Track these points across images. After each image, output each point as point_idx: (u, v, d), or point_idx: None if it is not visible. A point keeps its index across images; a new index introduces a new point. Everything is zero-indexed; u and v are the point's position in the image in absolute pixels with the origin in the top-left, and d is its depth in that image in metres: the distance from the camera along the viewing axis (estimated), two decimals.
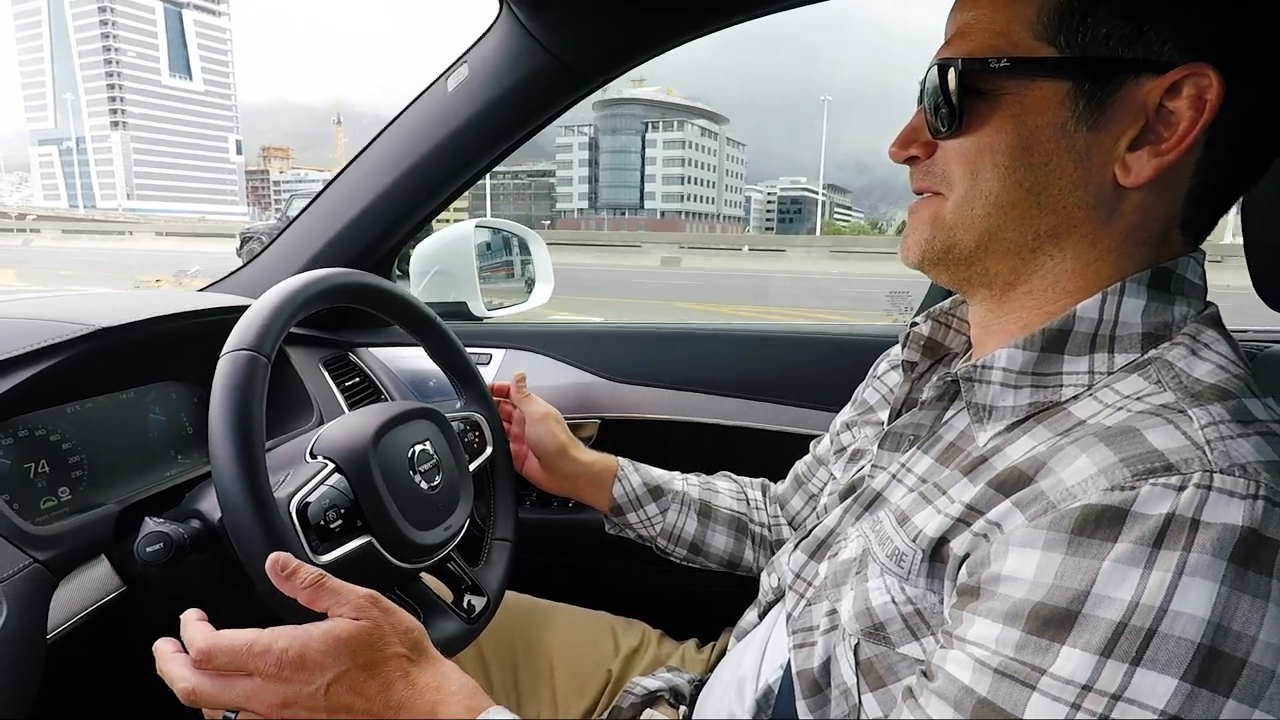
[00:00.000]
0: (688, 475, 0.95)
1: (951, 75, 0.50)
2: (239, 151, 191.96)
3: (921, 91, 0.54)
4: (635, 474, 0.92)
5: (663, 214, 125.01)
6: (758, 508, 0.93)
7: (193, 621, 0.54)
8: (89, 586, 0.72)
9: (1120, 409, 0.45)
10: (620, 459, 0.93)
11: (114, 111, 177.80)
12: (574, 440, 0.93)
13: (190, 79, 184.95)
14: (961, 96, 0.50)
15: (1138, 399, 0.45)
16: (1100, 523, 0.40)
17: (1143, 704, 0.36)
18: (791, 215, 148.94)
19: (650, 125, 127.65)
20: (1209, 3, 0.45)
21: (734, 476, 0.97)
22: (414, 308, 0.86)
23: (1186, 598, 0.36)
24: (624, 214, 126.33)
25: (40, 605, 0.66)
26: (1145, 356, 0.48)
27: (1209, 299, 0.51)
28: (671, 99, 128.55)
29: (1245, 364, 0.47)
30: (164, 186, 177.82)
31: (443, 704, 0.52)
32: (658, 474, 0.93)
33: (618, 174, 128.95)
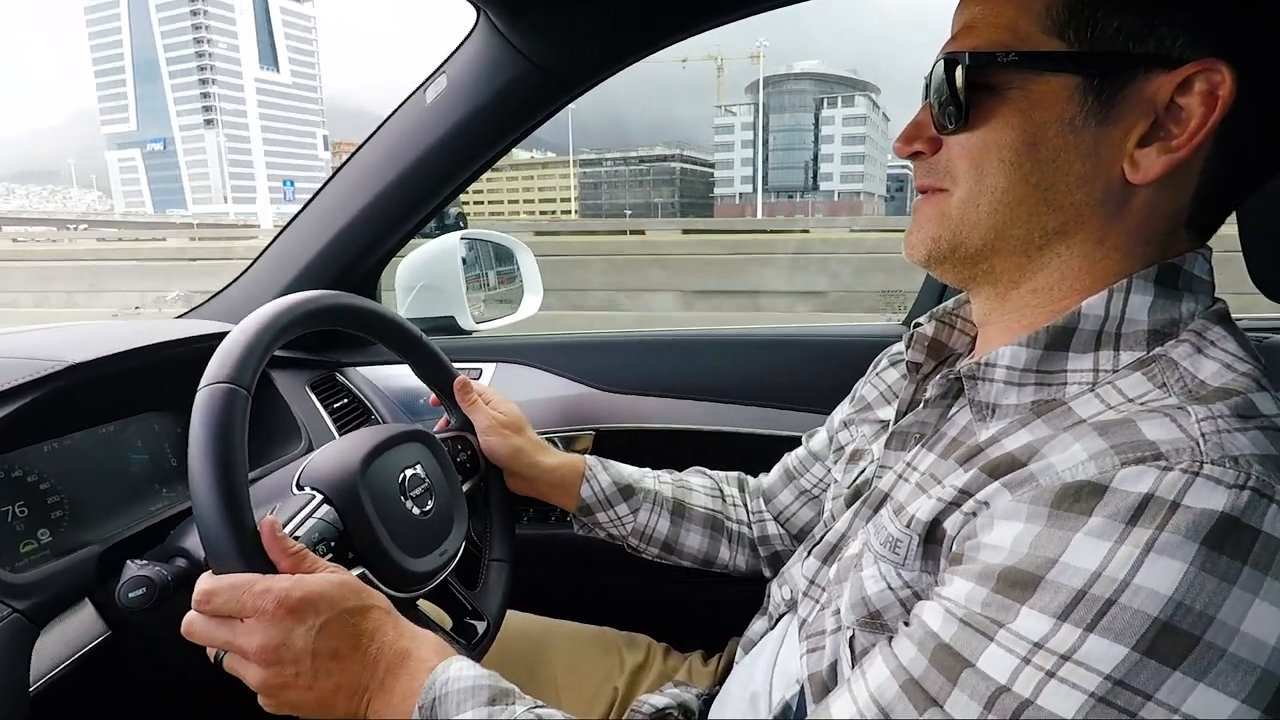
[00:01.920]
0: (659, 473, 0.93)
1: (959, 70, 0.49)
2: (326, 147, 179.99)
3: (927, 87, 0.53)
4: (604, 473, 0.90)
5: (838, 195, 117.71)
6: (735, 504, 0.92)
7: (206, 575, 0.58)
8: (73, 633, 0.70)
9: (1121, 410, 0.44)
10: (589, 458, 0.91)
11: (207, 109, 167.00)
12: (537, 444, 0.90)
13: (278, 70, 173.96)
14: (968, 91, 0.49)
15: (1140, 402, 0.44)
16: (1079, 497, 0.40)
17: (1089, 667, 0.37)
18: (893, 194, 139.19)
19: (826, 101, 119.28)
20: None
21: (708, 472, 0.95)
22: (398, 326, 0.84)
23: (1151, 574, 0.37)
24: (792, 197, 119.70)
25: (21, 656, 0.64)
26: (1150, 354, 0.47)
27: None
28: (837, 72, 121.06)
29: (1255, 359, 0.46)
30: (252, 187, 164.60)
31: (416, 648, 0.57)
32: (628, 472, 0.91)
33: (787, 154, 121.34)
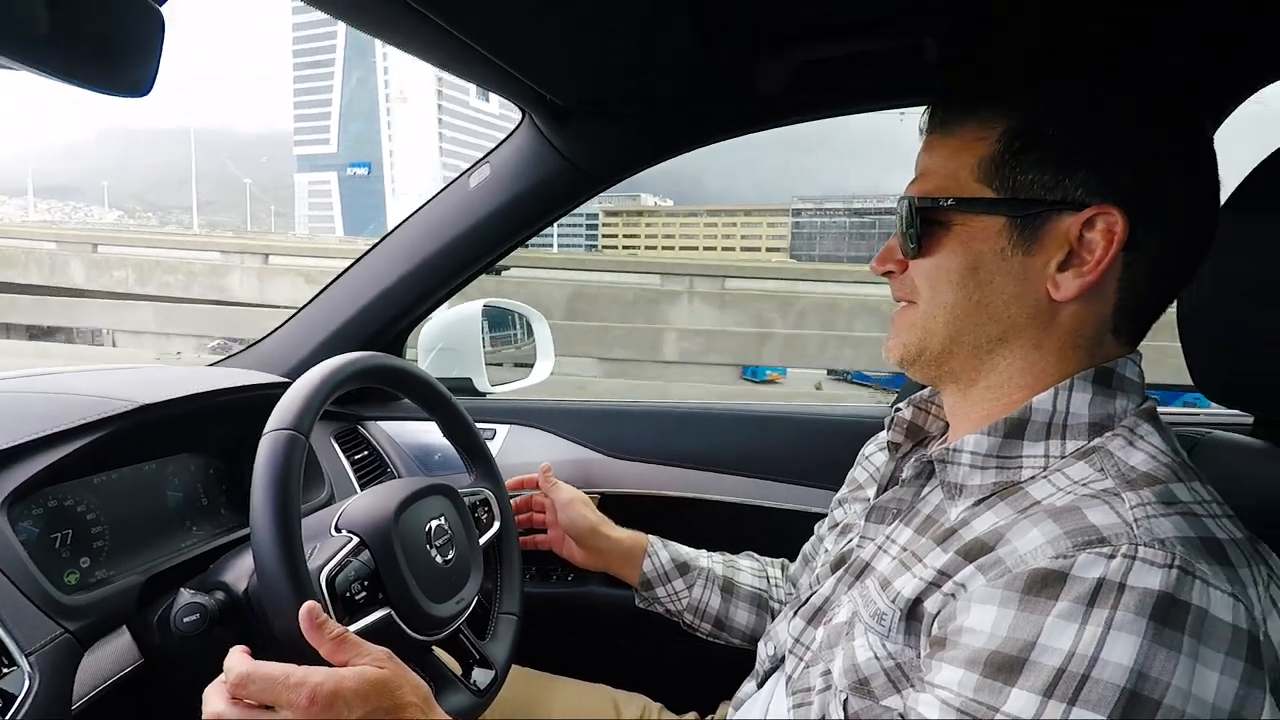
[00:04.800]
0: (712, 554, 1.00)
1: (915, 209, 0.60)
2: None
3: (898, 217, 0.63)
4: (664, 550, 0.97)
5: None
6: (776, 585, 0.98)
7: (236, 652, 0.59)
8: (111, 658, 0.74)
9: (1069, 493, 0.52)
10: (651, 537, 0.98)
11: (440, 135, 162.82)
12: (604, 519, 0.99)
13: (488, 100, 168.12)
14: (922, 226, 0.60)
15: (1083, 485, 0.53)
16: (1046, 583, 0.47)
17: None
18: None
19: None
20: (1113, 157, 0.55)
21: (756, 556, 1.02)
22: (433, 388, 0.92)
23: (1114, 648, 0.43)
24: None
25: (67, 676, 0.68)
26: (1091, 444, 0.55)
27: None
28: None
29: (1175, 453, 0.55)
30: None
31: None
32: (685, 551, 0.98)
33: None
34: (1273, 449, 0.78)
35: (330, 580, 0.70)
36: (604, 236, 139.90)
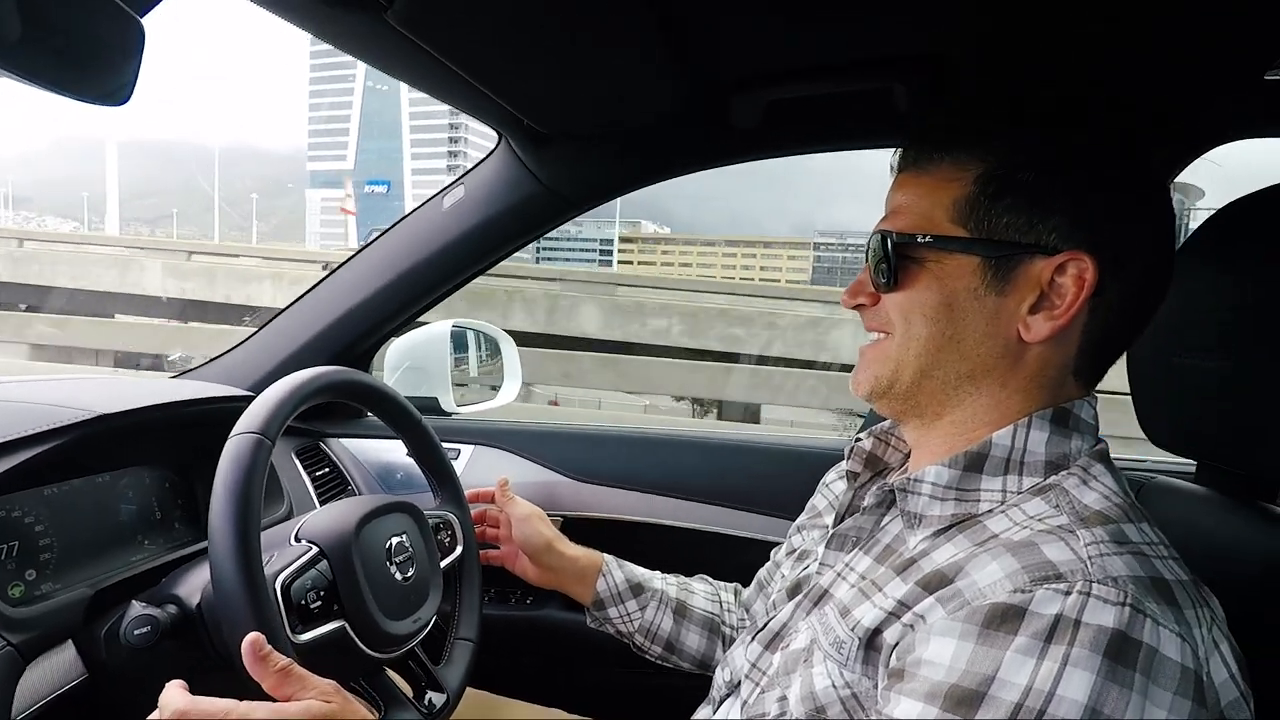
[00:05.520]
0: (666, 575, 1.00)
1: (890, 244, 0.62)
2: None
3: (867, 252, 0.65)
4: (619, 570, 0.97)
5: None
6: (729, 609, 0.98)
7: (173, 686, 0.57)
8: (53, 672, 0.72)
9: (1025, 528, 0.54)
10: (606, 556, 0.98)
11: (452, 155, 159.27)
12: (559, 536, 0.99)
13: None
14: (896, 261, 0.61)
15: (1039, 520, 0.54)
16: (1005, 618, 0.48)
17: None
18: None
19: None
20: (1086, 205, 0.57)
21: (710, 580, 1.02)
22: (403, 408, 0.92)
23: (1070, 684, 0.44)
24: None
25: (7, 691, 0.67)
26: (1047, 481, 0.57)
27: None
28: None
29: (1126, 494, 0.57)
30: None
31: None
32: (640, 572, 0.98)
33: None
34: (1214, 495, 0.80)
35: (286, 587, 0.69)
36: (619, 263, 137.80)
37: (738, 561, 1.02)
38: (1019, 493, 0.57)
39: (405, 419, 0.92)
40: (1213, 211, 0.75)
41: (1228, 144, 0.97)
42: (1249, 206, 0.72)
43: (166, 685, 0.57)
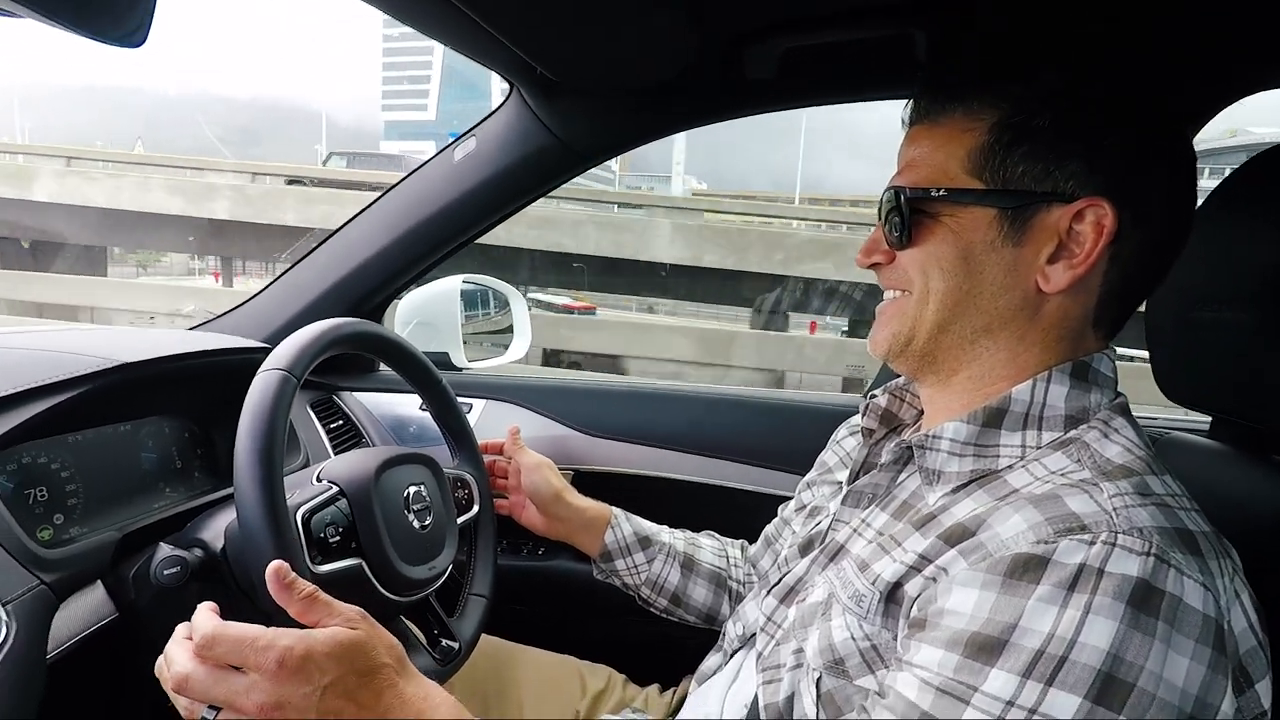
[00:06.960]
0: (674, 530, 1.01)
1: (903, 199, 0.61)
2: None
3: (880, 209, 0.64)
4: (627, 523, 0.98)
5: None
6: (736, 565, 0.99)
7: (204, 610, 0.56)
8: (85, 611, 0.75)
9: (1047, 482, 0.54)
10: (614, 509, 0.99)
11: None
12: (568, 487, 1.00)
13: None
14: (910, 216, 0.61)
15: (1061, 475, 0.54)
16: (1028, 568, 0.48)
17: (1053, 717, 0.44)
18: None
19: None
20: (1103, 150, 0.56)
21: (716, 535, 1.03)
22: (424, 366, 0.93)
23: (1092, 632, 0.45)
24: None
25: (43, 627, 0.69)
26: (1067, 435, 0.57)
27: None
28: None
29: (1148, 447, 0.57)
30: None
31: (429, 713, 0.56)
32: (648, 526, 0.99)
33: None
34: (1229, 450, 0.80)
35: (306, 520, 0.71)
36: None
37: (746, 517, 1.04)
38: (1039, 448, 0.57)
39: (426, 377, 0.93)
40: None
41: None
42: (1277, 158, 0.71)
43: (198, 608, 0.56)
